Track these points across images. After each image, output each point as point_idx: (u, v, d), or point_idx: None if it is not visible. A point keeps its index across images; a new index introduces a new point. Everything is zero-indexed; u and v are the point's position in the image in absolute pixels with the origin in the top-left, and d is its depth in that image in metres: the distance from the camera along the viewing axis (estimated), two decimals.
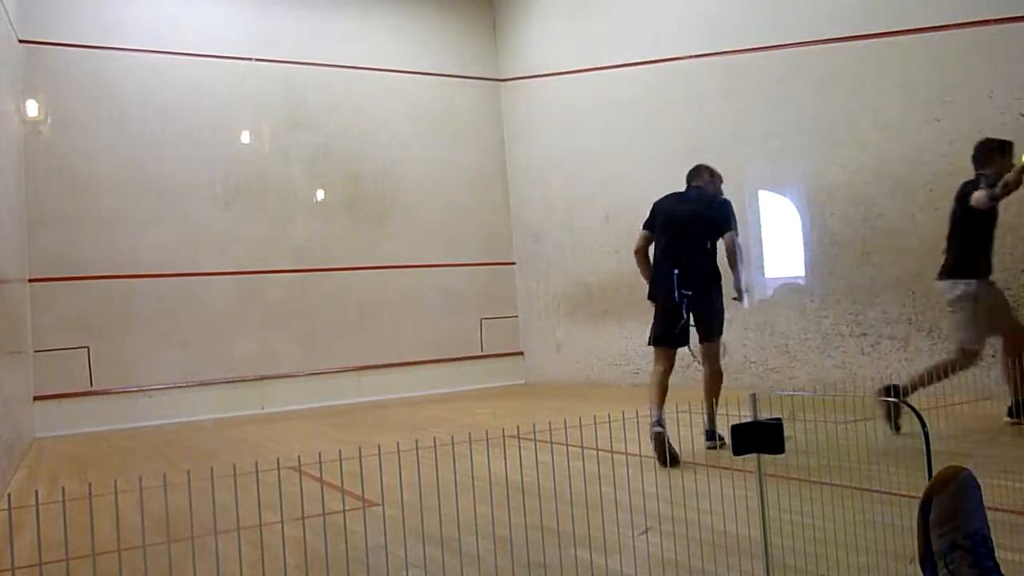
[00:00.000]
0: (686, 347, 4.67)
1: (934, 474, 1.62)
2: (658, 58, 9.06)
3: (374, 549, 2.67)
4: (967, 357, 4.61)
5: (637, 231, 4.99)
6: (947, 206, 4.94)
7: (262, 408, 9.39)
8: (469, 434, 2.66)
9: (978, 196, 4.54)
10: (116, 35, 9.23)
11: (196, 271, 9.40)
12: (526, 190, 11.32)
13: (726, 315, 4.79)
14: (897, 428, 4.36)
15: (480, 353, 10.98)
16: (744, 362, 7.91)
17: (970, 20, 6.14)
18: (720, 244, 4.77)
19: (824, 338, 7.25)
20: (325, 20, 10.53)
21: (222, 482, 2.15)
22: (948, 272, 4.81)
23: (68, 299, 8.70)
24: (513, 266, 11.45)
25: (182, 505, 2.07)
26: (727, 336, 4.88)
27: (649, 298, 4.80)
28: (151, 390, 8.98)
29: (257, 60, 9.98)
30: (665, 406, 4.34)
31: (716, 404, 4.51)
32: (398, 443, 2.26)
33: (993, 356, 5.26)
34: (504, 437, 2.50)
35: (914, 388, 4.54)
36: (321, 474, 3.30)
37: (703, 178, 4.97)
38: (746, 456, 1.99)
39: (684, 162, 4.96)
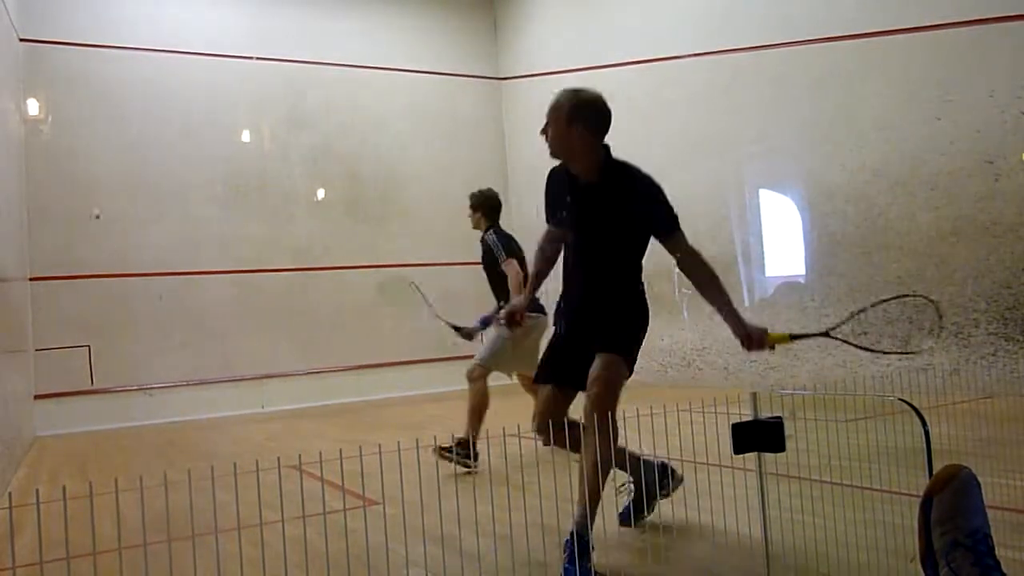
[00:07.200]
0: None
1: (934, 473, 1.62)
2: (658, 57, 9.06)
3: (375, 547, 2.67)
4: None
5: None
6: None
7: (262, 407, 9.38)
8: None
9: None
10: (117, 34, 9.21)
11: (196, 270, 9.39)
12: (526, 189, 11.30)
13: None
14: None
15: None
16: (744, 361, 7.91)
17: (970, 19, 6.14)
18: None
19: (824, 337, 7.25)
20: (325, 19, 10.52)
21: (223, 481, 2.15)
22: None
23: (68, 298, 8.70)
24: None
25: (183, 504, 2.07)
26: None
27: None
28: (151, 389, 8.97)
29: (257, 60, 9.98)
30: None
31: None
32: (398, 442, 2.26)
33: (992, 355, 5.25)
34: (504, 436, 2.50)
35: None
36: (322, 473, 3.29)
37: None
38: (747, 455, 1.99)
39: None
